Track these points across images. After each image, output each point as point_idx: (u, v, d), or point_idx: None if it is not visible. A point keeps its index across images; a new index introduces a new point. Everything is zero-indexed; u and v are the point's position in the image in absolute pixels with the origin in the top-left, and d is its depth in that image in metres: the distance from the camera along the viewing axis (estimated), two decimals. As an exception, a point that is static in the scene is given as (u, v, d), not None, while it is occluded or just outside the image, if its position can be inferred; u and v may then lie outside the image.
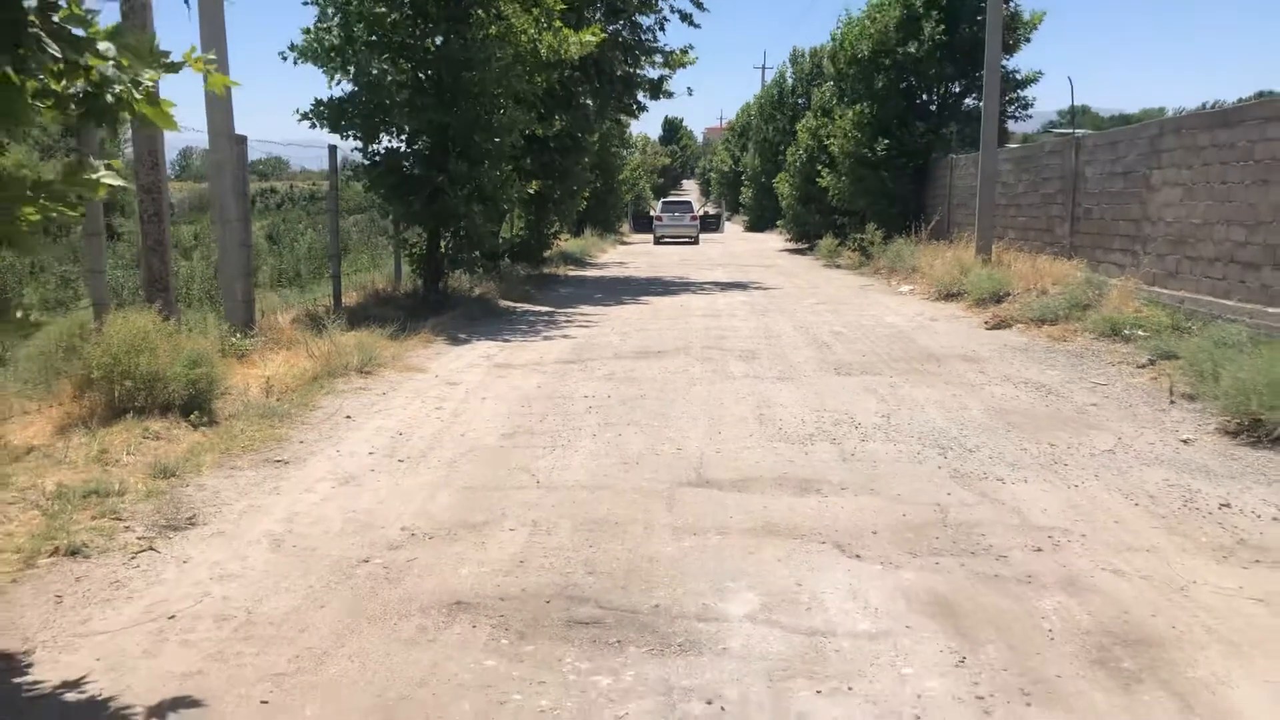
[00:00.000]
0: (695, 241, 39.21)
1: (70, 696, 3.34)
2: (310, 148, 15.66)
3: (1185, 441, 6.86)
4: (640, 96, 21.90)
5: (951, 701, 3.31)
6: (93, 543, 4.70)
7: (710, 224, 48.95)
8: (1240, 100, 9.44)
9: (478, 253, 16.08)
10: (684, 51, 21.49)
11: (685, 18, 21.63)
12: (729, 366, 9.97)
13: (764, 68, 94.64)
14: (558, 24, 14.77)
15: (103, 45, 3.04)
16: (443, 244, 14.58)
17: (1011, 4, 22.29)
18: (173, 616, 3.96)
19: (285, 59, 13.16)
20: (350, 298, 13.92)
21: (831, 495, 5.60)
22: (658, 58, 21.43)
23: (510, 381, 9.18)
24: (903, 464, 6.25)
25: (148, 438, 6.81)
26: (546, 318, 14.60)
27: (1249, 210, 10.62)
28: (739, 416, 7.62)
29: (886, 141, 23.04)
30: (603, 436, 6.99)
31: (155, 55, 3.28)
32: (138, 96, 3.34)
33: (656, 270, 24.89)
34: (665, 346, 11.41)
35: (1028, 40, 22.90)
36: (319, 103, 13.25)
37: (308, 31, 13.06)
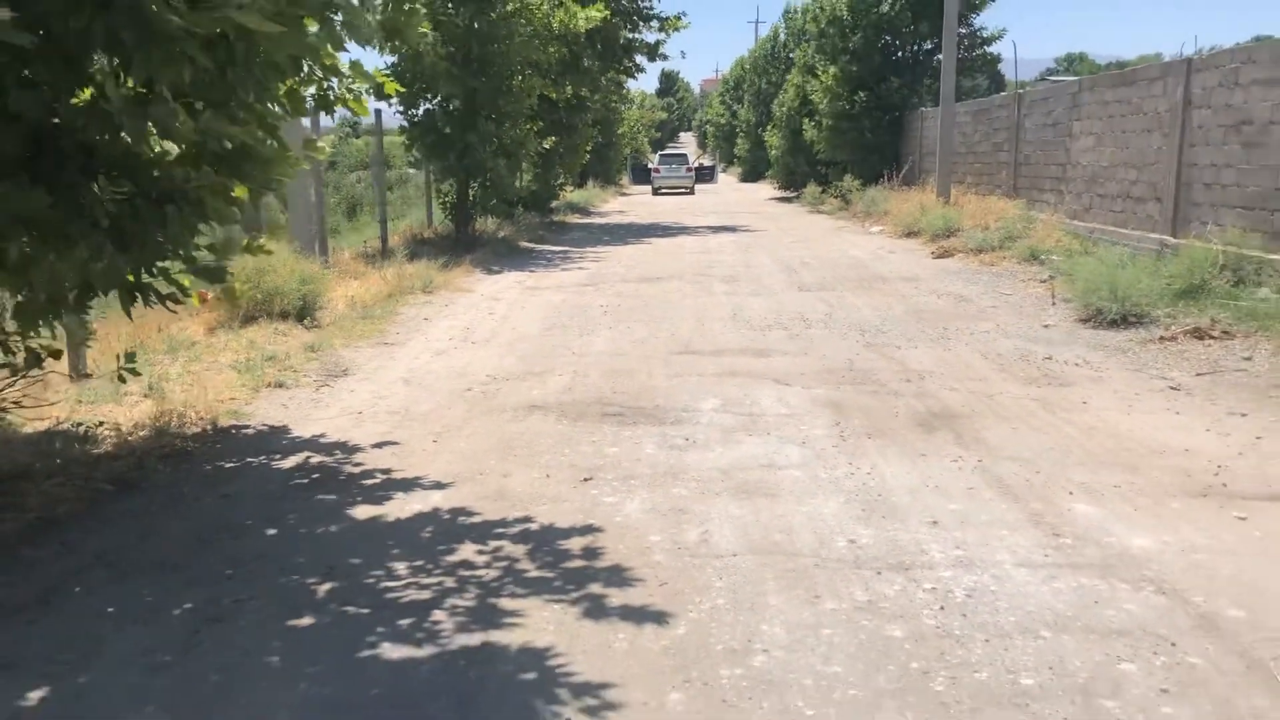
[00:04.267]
0: (691, 192, 41.44)
1: (322, 441, 5.84)
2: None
3: (1046, 326, 9.32)
4: (639, 59, 24.13)
5: (824, 436, 5.80)
6: (288, 381, 7.21)
7: (705, 175, 50.92)
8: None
9: (495, 201, 18.46)
10: (678, 18, 23.73)
11: (678, -13, 23.79)
12: (713, 287, 12.43)
13: (757, 22, 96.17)
14: (568, 1, 17.04)
15: (347, 72, 5.43)
16: (471, 193, 16.98)
17: (977, -32, 24.45)
18: (360, 412, 6.47)
19: (336, 35, 15.42)
20: (393, 240, 16.33)
21: (777, 357, 8.09)
22: (654, 23, 23.66)
23: (541, 298, 11.66)
24: (832, 340, 8.73)
25: (278, 334, 9.26)
26: (561, 255, 17.04)
27: (1139, 155, 13.02)
28: (718, 316, 10.09)
29: (864, 96, 25.26)
30: (617, 328, 9.47)
31: (364, 72, 5.68)
32: (349, 97, 5.76)
33: (655, 217, 27.25)
34: (663, 274, 13.86)
35: (993, 0, 25.10)
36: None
37: (355, 12, 15.32)
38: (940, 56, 25.62)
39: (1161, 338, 8.42)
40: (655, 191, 41.91)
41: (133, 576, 3.96)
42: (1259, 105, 10.34)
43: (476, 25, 15.44)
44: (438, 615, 3.57)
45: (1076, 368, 7.59)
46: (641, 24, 23.29)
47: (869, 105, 25.31)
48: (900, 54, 26.10)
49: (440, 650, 3.32)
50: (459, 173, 16.42)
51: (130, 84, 3.95)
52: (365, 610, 3.62)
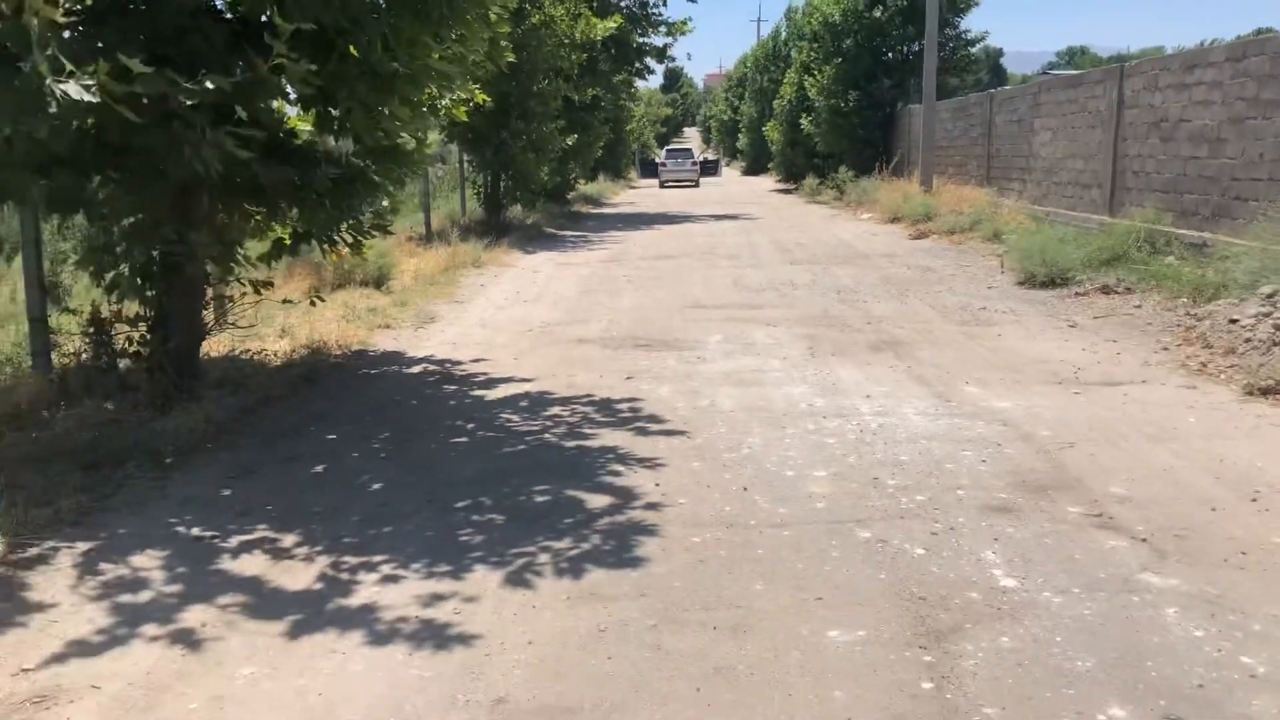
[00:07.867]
0: (696, 185, 43.55)
1: (433, 359, 8.00)
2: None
3: (990, 288, 11.44)
4: (649, 61, 26.29)
5: (800, 354, 7.94)
6: (392, 325, 9.37)
7: (709, 169, 53.12)
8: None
9: (519, 192, 20.64)
10: (683, 22, 25.89)
11: (685, -6, 25.96)
12: (718, 262, 14.58)
13: (759, 20, 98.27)
14: (586, 12, 19.17)
15: (458, 83, 7.54)
16: (502, 184, 19.13)
17: (962, -27, 26.57)
18: (454, 343, 8.63)
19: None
20: (433, 225, 18.47)
21: (767, 309, 10.23)
22: (662, 28, 25.81)
23: (573, 271, 13.83)
24: (814, 298, 10.87)
25: (365, 296, 11.39)
26: (583, 239, 19.21)
27: (1085, 147, 15.13)
28: (721, 283, 12.24)
29: (856, 94, 27.36)
30: (639, 291, 11.63)
31: (468, 88, 7.79)
32: (455, 106, 7.89)
33: (663, 207, 29.41)
34: (674, 253, 16.01)
35: (977, 4, 27.20)
36: (411, 78, 17.70)
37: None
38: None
39: (1077, 293, 10.55)
40: (662, 185, 43.99)
41: (341, 424, 6.12)
42: (1172, 106, 12.44)
43: (509, 35, 17.53)
44: (546, 436, 5.73)
45: (1002, 314, 9.71)
46: (650, 29, 25.42)
47: (861, 103, 27.40)
48: (890, 55, 28.17)
49: (552, 447, 5.48)
50: (493, 165, 18.56)
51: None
52: (500, 435, 5.79)
